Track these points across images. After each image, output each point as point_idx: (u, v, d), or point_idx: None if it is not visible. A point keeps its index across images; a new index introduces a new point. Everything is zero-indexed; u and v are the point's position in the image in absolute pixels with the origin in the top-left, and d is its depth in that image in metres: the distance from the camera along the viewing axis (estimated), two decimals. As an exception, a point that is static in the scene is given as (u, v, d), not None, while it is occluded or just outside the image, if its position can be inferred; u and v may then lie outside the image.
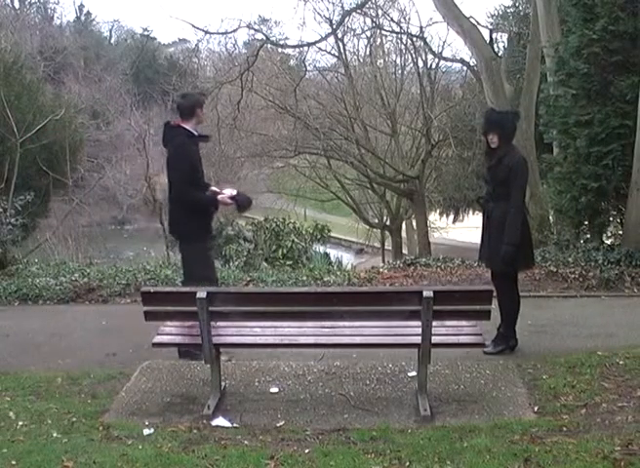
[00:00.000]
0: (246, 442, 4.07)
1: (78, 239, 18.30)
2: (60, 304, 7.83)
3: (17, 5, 34.84)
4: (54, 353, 6.01)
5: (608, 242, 9.60)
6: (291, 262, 13.62)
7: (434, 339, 4.44)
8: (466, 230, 24.63)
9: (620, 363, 5.15)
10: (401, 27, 21.08)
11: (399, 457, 3.78)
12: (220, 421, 4.41)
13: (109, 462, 3.75)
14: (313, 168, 22.98)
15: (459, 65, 21.71)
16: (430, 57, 21.22)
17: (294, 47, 22.79)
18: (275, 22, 35.41)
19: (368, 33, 22.06)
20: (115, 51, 39.84)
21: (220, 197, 5.61)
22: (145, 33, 41.81)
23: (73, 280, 8.26)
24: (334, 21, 19.94)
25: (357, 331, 4.76)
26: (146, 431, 4.22)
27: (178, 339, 4.99)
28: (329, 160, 21.33)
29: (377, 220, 25.02)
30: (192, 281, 5.18)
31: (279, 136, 22.08)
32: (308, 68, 23.05)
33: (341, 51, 21.33)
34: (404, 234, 23.68)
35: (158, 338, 4.81)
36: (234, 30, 20.69)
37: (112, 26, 45.23)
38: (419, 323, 4.40)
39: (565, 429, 4.09)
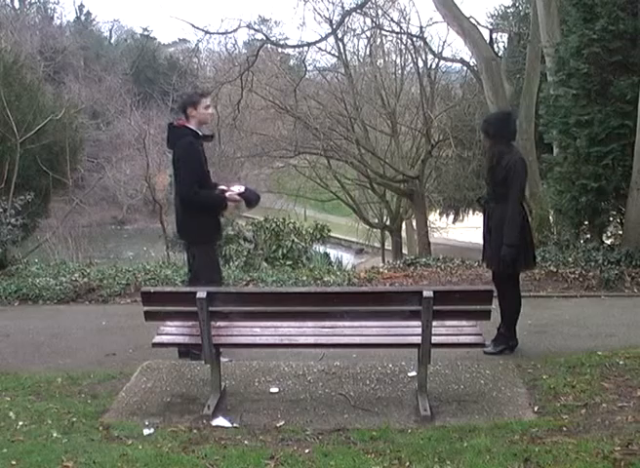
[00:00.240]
0: (246, 442, 4.07)
1: (78, 239, 18.26)
2: (60, 304, 7.82)
3: (17, 5, 34.96)
4: (54, 353, 6.00)
5: (608, 242, 9.61)
6: (291, 262, 13.57)
7: (434, 339, 4.44)
8: (466, 230, 24.66)
9: (620, 363, 5.15)
10: (401, 27, 21.11)
11: (399, 457, 3.78)
12: (220, 421, 4.41)
13: (109, 462, 3.75)
14: (313, 168, 22.98)
15: (459, 65, 21.73)
16: (430, 57, 21.23)
17: (294, 47, 22.84)
18: (275, 22, 35.52)
19: (368, 33, 22.11)
20: (115, 51, 39.90)
21: (228, 194, 5.54)
22: (145, 33, 41.96)
23: (73, 280, 8.25)
24: (334, 21, 19.97)
25: (357, 331, 4.75)
26: (146, 431, 4.21)
27: (178, 339, 4.98)
28: (329, 160, 21.32)
29: (377, 220, 25.00)
30: (198, 284, 5.14)
31: (279, 137, 22.08)
32: (308, 68, 23.11)
33: (341, 51, 21.34)
34: (404, 234, 23.67)
35: (158, 338, 4.81)
36: (234, 30, 20.77)
37: (112, 26, 45.44)
38: (419, 323, 4.39)
39: (565, 429, 4.09)
